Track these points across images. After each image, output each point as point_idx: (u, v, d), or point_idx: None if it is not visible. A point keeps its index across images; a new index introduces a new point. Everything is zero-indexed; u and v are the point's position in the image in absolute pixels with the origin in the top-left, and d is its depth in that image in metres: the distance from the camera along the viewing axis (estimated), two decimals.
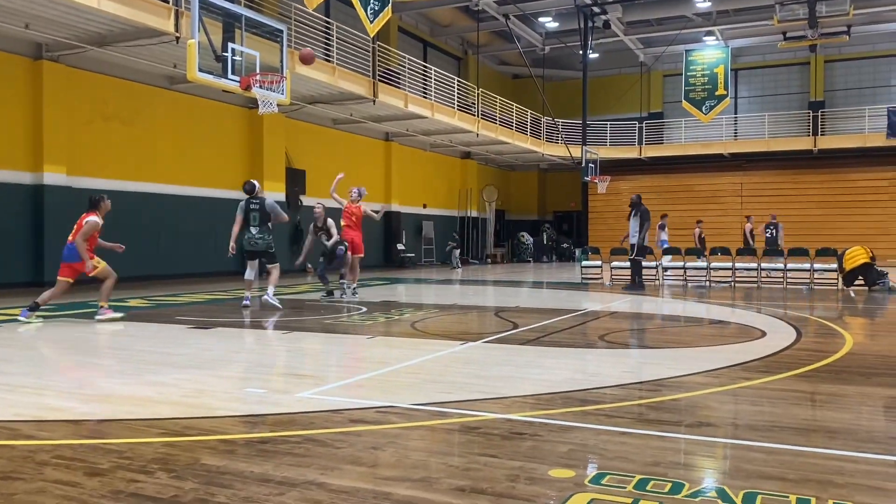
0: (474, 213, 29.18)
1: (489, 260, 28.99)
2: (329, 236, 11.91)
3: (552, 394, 4.66)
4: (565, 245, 31.01)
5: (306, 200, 19.93)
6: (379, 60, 19.24)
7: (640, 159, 29.22)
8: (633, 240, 14.31)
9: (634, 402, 4.42)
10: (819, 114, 27.01)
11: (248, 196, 9.85)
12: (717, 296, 13.09)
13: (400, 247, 23.63)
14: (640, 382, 5.11)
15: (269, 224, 9.84)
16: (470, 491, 2.89)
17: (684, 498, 2.78)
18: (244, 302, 9.94)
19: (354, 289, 12.21)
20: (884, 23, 24.35)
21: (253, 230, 9.71)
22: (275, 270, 10.01)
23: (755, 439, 3.63)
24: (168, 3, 12.45)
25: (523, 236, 30.66)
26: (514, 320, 8.88)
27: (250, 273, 10.20)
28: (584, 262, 17.82)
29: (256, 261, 10.12)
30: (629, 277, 14.46)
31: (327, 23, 17.47)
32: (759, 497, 2.80)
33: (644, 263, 14.71)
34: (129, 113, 15.30)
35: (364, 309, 10.13)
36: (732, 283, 15.45)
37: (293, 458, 3.25)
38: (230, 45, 11.55)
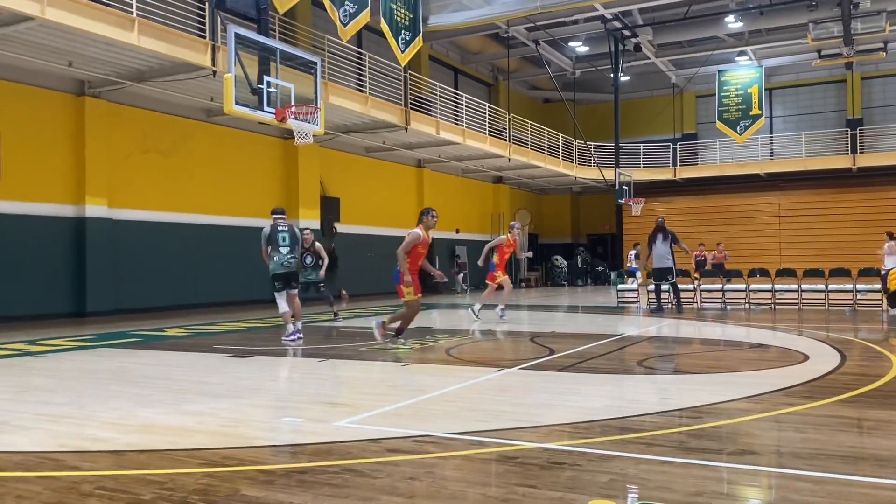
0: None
1: (523, 284, 28.87)
2: (318, 258, 12.19)
3: (590, 422, 4.60)
4: (600, 268, 30.76)
5: (341, 228, 20.12)
6: (410, 89, 19.45)
7: (675, 181, 28.95)
8: (669, 263, 14.17)
9: (675, 430, 4.35)
10: (857, 131, 26.55)
11: (276, 217, 9.52)
12: (756, 318, 12.84)
13: (463, 272, 23.71)
14: (681, 409, 5.02)
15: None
16: None
17: None
18: (297, 336, 9.32)
19: (503, 310, 12.79)
20: None
21: (283, 250, 9.33)
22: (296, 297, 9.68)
23: (801, 468, 3.53)
24: (205, 38, 12.78)
25: (557, 260, 30.51)
26: (549, 346, 8.81)
27: (285, 304, 9.43)
28: (620, 286, 17.64)
29: (286, 290, 9.45)
30: (657, 300, 14.28)
31: (360, 53, 17.74)
32: None
33: (674, 287, 14.53)
34: (167, 145, 15.66)
35: (401, 337, 10.12)
36: (772, 306, 15.15)
37: (332, 489, 3.25)
38: (266, 77, 11.78)
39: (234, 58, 11.27)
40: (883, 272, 13.86)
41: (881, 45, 21.26)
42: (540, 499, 3.11)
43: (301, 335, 9.44)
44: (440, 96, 21.23)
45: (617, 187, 24.90)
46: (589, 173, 28.37)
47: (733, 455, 3.84)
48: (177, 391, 5.98)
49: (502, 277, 12.95)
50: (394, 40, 15.97)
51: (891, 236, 15.63)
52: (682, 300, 14.52)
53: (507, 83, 27.60)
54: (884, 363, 7.03)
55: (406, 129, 18.68)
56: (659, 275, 14.30)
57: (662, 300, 14.40)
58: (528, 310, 16.70)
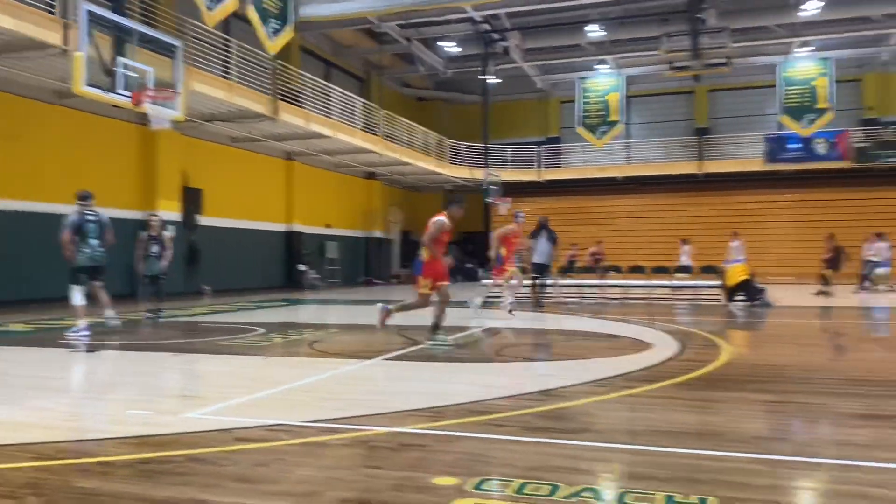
0: (379, 234, 29.17)
1: (394, 280, 28.99)
2: (162, 248, 11.16)
3: (445, 406, 4.73)
4: (470, 265, 31.39)
5: (204, 220, 19.42)
6: (281, 79, 19.07)
7: (540, 182, 30.04)
8: (544, 259, 14.70)
9: (523, 412, 4.55)
10: (704, 140, 28.62)
11: (81, 204, 8.58)
12: (611, 312, 13.58)
13: (302, 268, 23.31)
14: (531, 393, 5.26)
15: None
16: (355, 501, 2.92)
17: (560, 499, 2.90)
18: (85, 333, 8.16)
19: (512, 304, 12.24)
20: (760, 56, 26.11)
21: (94, 242, 8.54)
22: (104, 290, 8.96)
23: (631, 443, 3.81)
24: (56, 14, 11.96)
25: None
26: (415, 338, 8.94)
27: (82, 297, 8.47)
28: (485, 282, 18.11)
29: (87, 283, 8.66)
30: (535, 295, 14.80)
31: (226, 40, 17.19)
32: (630, 495, 2.95)
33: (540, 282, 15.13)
34: (14, 128, 14.52)
35: (262, 330, 9.94)
36: (626, 300, 16.07)
37: (175, 478, 3.18)
38: (120, 59, 11.19)
39: (87, 36, 10.64)
40: (722, 269, 15.02)
41: (725, 60, 22.99)
42: (384, 479, 3.19)
43: (89, 332, 8.25)
44: (311, 88, 20.94)
45: (485, 187, 25.52)
46: (460, 172, 28.89)
47: (573, 433, 4.08)
48: (14, 387, 5.60)
49: (512, 270, 12.61)
50: (262, 28, 15.58)
51: (735, 235, 17.16)
52: (543, 296, 15.11)
53: (379, 79, 27.63)
54: (716, 351, 7.65)
55: (274, 119, 18.29)
56: (539, 269, 14.79)
57: (539, 294, 14.93)
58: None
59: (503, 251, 12.55)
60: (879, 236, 19.43)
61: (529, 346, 8.73)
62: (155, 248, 11.20)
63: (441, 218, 8.00)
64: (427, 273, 7.91)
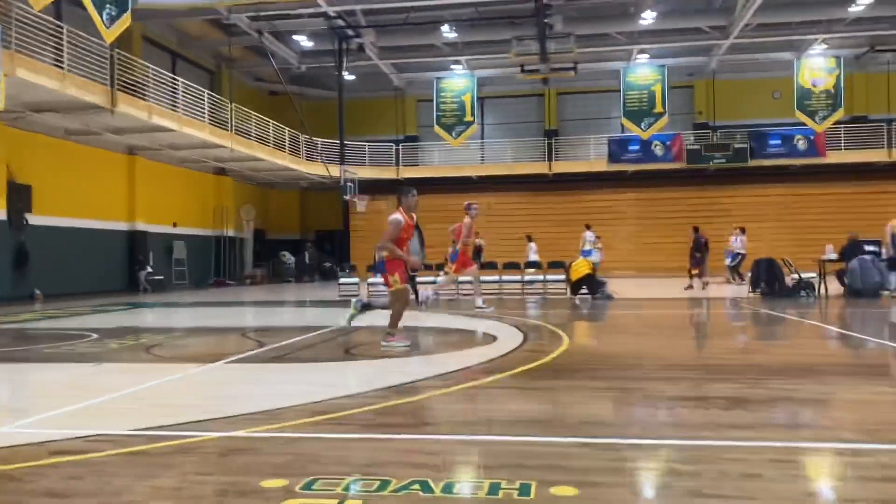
0: (231, 233, 28.18)
1: (248, 281, 28.12)
2: None
3: (283, 408, 4.63)
4: (328, 264, 31.02)
5: (34, 220, 17.95)
6: (121, 70, 17.95)
7: (398, 180, 30.16)
8: (418, 257, 14.75)
9: (363, 409, 4.53)
10: (553, 141, 29.88)
11: None
12: (463, 308, 13.86)
13: (147, 269, 22.09)
14: (375, 390, 5.25)
15: None
16: None
17: (389, 493, 2.91)
18: None
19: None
20: (604, 62, 27.60)
21: None
22: None
23: (466, 433, 3.90)
24: None
25: (284, 256, 30.17)
26: (260, 339, 8.70)
27: None
28: (342, 280, 17.96)
29: None
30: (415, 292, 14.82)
31: (58, 26, 15.96)
32: (457, 485, 3.01)
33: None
34: None
35: (96, 336, 9.31)
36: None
37: None
38: None
39: None
40: (567, 265, 15.72)
41: (572, 64, 24.12)
42: (211, 485, 3.07)
43: None
44: (154, 80, 19.86)
45: (342, 184, 25.29)
46: (316, 169, 28.45)
47: (412, 427, 4.11)
48: None
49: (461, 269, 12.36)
50: (97, 14, 14.59)
51: (588, 227, 17.87)
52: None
53: (230, 72, 26.69)
54: (557, 342, 7.99)
55: (112, 111, 17.19)
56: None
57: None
58: (247, 306, 16.31)
59: (459, 246, 12.41)
60: (742, 231, 21.00)
61: (377, 344, 8.73)
62: None
63: (397, 216, 7.45)
64: (393, 268, 7.43)
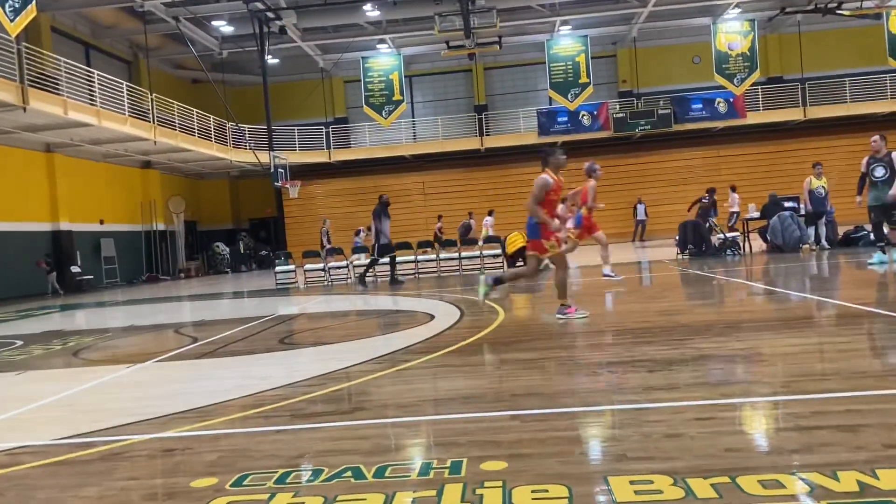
0: (161, 227, 27.45)
1: (182, 274, 27.51)
2: None
3: (214, 404, 4.57)
4: (264, 252, 30.56)
5: None
6: (30, 64, 17.17)
7: (330, 163, 29.85)
8: (386, 239, 14.70)
9: (296, 399, 4.51)
10: (483, 116, 29.97)
11: None
12: (403, 287, 13.88)
13: (74, 269, 21.37)
14: (308, 378, 5.22)
15: None
16: None
17: (320, 483, 2.92)
18: None
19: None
20: (528, 34, 27.75)
21: None
22: None
23: (399, 416, 3.93)
24: None
25: (218, 247, 29.60)
26: (194, 335, 8.54)
27: None
28: (278, 268, 17.74)
29: None
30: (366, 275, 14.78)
31: None
32: (389, 468, 3.04)
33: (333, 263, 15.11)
34: None
35: (20, 342, 8.98)
36: (416, 276, 16.51)
37: None
38: None
39: None
40: (503, 238, 15.86)
41: (496, 39, 24.17)
42: (139, 489, 3.02)
43: None
44: (67, 73, 19.07)
45: (273, 170, 24.89)
46: (245, 157, 27.90)
47: (345, 414, 4.12)
48: None
49: (572, 233, 11.26)
50: None
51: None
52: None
53: (148, 61, 25.83)
54: (492, 316, 8.09)
55: (24, 109, 16.47)
56: (388, 249, 14.73)
57: (368, 275, 15.03)
58: (181, 300, 15.97)
59: (583, 211, 11.38)
60: (733, 189, 21.36)
61: (315, 332, 8.68)
62: None
63: (544, 177, 7.17)
64: (548, 234, 7.09)
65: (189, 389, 5.24)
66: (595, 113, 28.28)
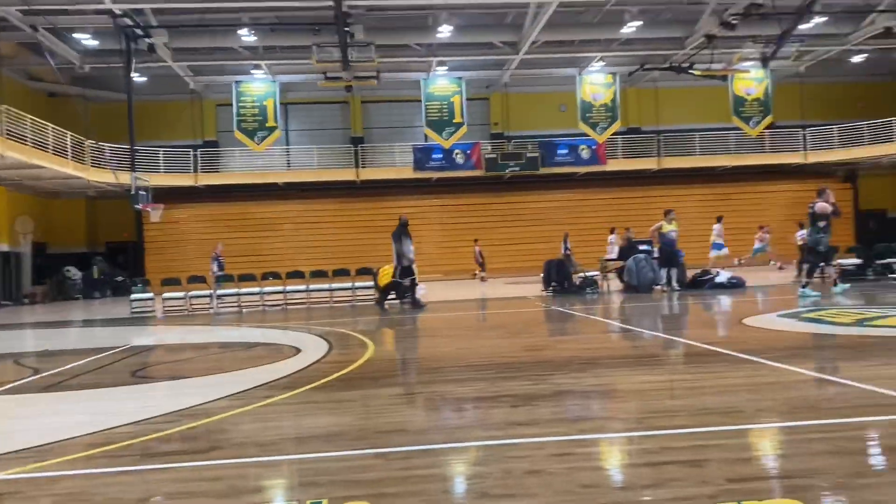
0: (5, 248, 25.32)
1: (27, 300, 25.42)
2: None
3: (55, 442, 4.22)
4: (120, 278, 28.81)
5: None
6: None
7: (197, 187, 28.76)
8: (408, 262, 14.26)
9: (147, 438, 4.24)
10: (359, 148, 29.99)
11: None
12: (270, 319, 13.49)
13: None
14: (161, 415, 4.93)
15: None
16: None
17: None
18: None
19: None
20: (405, 72, 28.12)
21: None
22: None
23: (258, 455, 3.77)
24: None
25: (69, 271, 27.62)
26: (35, 366, 7.89)
27: None
28: (134, 296, 16.78)
29: None
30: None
31: None
32: None
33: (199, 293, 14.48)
34: None
35: None
36: (285, 306, 16.12)
37: None
38: None
39: None
40: (375, 271, 15.83)
41: (374, 73, 24.33)
42: None
43: None
44: None
45: (133, 192, 23.65)
46: (104, 177, 26.31)
47: (199, 453, 3.91)
48: None
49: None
50: None
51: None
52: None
53: None
54: (361, 350, 8.00)
55: None
56: (410, 272, 14.32)
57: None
58: (24, 328, 14.74)
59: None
60: (719, 219, 22.18)
61: (170, 364, 8.25)
62: None
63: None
64: None
65: (26, 426, 4.81)
66: (469, 152, 29.00)
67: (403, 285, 15.33)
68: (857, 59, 29.50)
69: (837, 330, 8.07)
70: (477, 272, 24.27)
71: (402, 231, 14.38)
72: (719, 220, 22.20)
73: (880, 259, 16.79)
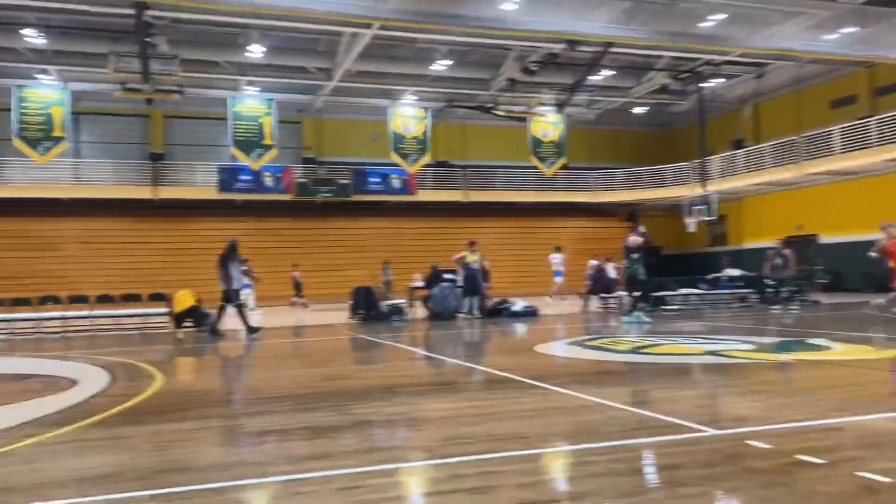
0: None
1: None
2: None
3: None
4: None
5: None
6: None
7: None
8: (233, 286, 13.25)
9: None
10: (159, 165, 28.31)
11: None
12: (48, 348, 12.22)
13: None
14: None
15: None
16: None
17: None
18: None
19: None
20: (212, 89, 27.05)
21: None
22: None
23: (17, 501, 3.37)
24: None
25: None
26: None
27: None
28: None
29: None
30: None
31: None
32: None
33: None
34: None
35: None
36: (65, 333, 14.70)
37: None
38: None
39: None
40: (169, 296, 14.93)
41: (178, 88, 23.18)
42: None
43: None
44: None
45: None
46: None
47: None
48: None
49: None
50: None
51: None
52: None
53: None
54: (149, 381, 7.46)
55: None
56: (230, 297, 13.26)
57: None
58: None
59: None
60: (558, 249, 22.25)
61: None
62: None
63: None
64: None
65: None
66: (279, 175, 28.42)
67: (201, 312, 14.64)
68: (638, 110, 32.80)
69: (616, 357, 8.78)
70: (295, 298, 23.74)
71: (229, 255, 13.60)
72: (558, 250, 23.67)
73: (655, 293, 18.58)
